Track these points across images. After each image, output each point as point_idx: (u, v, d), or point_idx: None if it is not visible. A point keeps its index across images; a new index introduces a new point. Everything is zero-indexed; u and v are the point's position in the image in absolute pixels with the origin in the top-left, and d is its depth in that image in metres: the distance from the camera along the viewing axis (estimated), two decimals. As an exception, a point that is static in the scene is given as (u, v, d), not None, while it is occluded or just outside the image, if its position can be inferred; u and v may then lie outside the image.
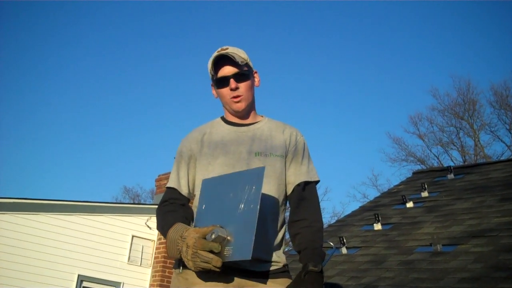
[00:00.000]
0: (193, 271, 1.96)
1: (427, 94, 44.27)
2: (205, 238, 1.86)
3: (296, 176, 2.25)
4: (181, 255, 1.92)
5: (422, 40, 42.58)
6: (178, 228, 1.98)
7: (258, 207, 1.84)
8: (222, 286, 2.01)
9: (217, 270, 1.83)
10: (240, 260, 1.82)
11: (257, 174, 1.93)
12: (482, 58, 40.12)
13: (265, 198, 2.08)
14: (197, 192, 2.20)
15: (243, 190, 1.92)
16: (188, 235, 1.90)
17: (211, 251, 1.83)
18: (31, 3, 41.07)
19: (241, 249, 1.82)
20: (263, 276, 2.06)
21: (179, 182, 2.25)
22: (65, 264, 10.27)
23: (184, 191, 2.24)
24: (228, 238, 1.85)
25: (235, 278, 2.01)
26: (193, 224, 2.15)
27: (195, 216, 2.09)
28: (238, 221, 1.88)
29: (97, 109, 48.59)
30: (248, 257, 1.78)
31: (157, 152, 48.62)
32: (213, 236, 1.84)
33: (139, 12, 48.72)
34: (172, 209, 2.17)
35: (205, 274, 1.99)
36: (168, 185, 2.27)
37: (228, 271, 1.98)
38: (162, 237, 11.23)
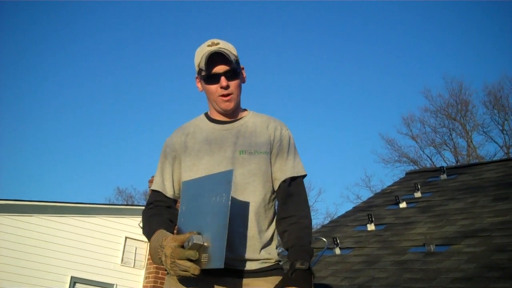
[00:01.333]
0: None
1: (420, 95, 44.39)
2: (183, 246, 1.85)
3: (281, 172, 2.21)
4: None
5: (414, 41, 42.74)
6: (158, 236, 1.97)
7: (228, 216, 1.81)
8: (212, 287, 2.01)
9: (195, 277, 1.83)
10: (215, 268, 1.81)
11: (226, 178, 1.89)
12: (475, 59, 40.32)
13: (250, 197, 2.09)
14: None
15: (214, 195, 1.90)
16: (166, 244, 1.89)
17: (189, 259, 1.82)
18: (30, 3, 40.99)
19: (214, 258, 1.81)
20: (254, 274, 2.05)
21: (164, 184, 2.23)
22: (58, 266, 10.23)
23: (169, 193, 2.22)
24: (205, 244, 1.85)
25: (225, 278, 2.00)
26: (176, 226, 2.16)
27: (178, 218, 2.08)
28: (212, 228, 1.86)
29: (91, 111, 48.50)
30: (221, 266, 1.78)
31: (150, 154, 48.55)
32: (190, 244, 1.84)
33: (132, 15, 48.66)
34: (156, 213, 2.16)
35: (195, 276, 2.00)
36: (153, 187, 2.25)
37: (218, 271, 1.98)
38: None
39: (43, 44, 45.02)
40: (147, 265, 11.24)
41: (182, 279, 2.03)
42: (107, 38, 48.35)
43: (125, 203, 31.74)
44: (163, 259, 1.89)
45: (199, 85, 2.28)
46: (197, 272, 1.81)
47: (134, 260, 11.28)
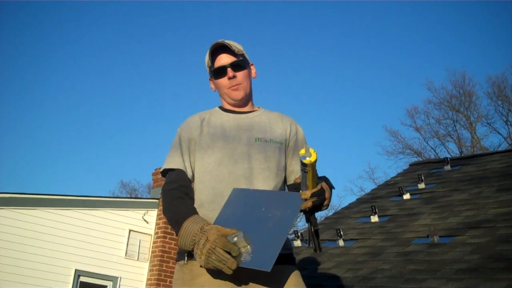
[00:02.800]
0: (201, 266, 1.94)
1: (423, 87, 44.23)
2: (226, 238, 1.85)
3: None
4: (194, 247, 1.91)
5: (417, 33, 42.55)
6: (198, 220, 1.96)
7: (291, 227, 1.89)
8: (229, 276, 1.99)
9: (229, 272, 1.82)
10: (258, 269, 1.81)
11: (295, 199, 1.97)
12: (478, 50, 40.14)
13: (264, 182, 2.16)
14: (198, 174, 2.20)
15: (278, 209, 1.95)
16: (209, 229, 1.88)
17: (229, 253, 1.82)
18: (28, 3, 40.95)
19: (262, 259, 1.81)
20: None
21: (184, 164, 2.22)
22: (62, 259, 10.25)
23: (189, 173, 2.22)
24: (248, 247, 1.85)
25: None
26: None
27: (216, 217, 2.05)
28: (266, 234, 1.88)
29: (94, 104, 48.52)
30: (268, 269, 1.78)
31: (154, 147, 48.61)
32: (235, 239, 1.83)
33: (135, 10, 48.56)
34: (181, 196, 2.12)
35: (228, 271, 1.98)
36: (173, 166, 2.22)
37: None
38: (159, 231, 11.27)
39: (42, 42, 44.97)
40: (151, 257, 11.25)
41: (196, 270, 2.01)
42: (113, 33, 48.29)
43: (129, 196, 31.78)
44: (201, 242, 1.86)
45: (212, 86, 2.38)
46: (234, 266, 1.80)
47: (138, 253, 11.28)
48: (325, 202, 2.01)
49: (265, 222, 1.92)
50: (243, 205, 2.04)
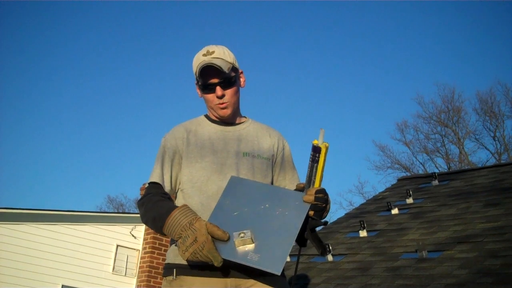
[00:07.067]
0: (187, 263, 1.96)
1: (413, 102, 44.51)
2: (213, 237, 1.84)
3: (292, 181, 2.32)
4: (179, 241, 1.89)
5: (407, 47, 42.91)
6: (187, 212, 1.93)
7: (299, 229, 1.87)
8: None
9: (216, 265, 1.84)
10: (267, 271, 1.79)
11: (301, 199, 1.96)
12: (467, 66, 40.50)
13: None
14: (185, 188, 2.16)
15: (284, 207, 1.94)
16: (199, 229, 1.85)
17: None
18: (26, 3, 40.88)
19: (271, 260, 1.79)
20: (260, 273, 2.01)
21: (163, 177, 2.19)
22: (49, 275, 10.16)
23: (166, 187, 2.18)
24: (253, 245, 1.84)
25: (233, 279, 1.99)
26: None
27: (215, 206, 2.03)
28: (274, 234, 1.86)
29: (80, 119, 48.36)
30: (278, 272, 1.76)
31: (141, 161, 48.45)
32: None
33: (116, 21, 48.62)
34: (162, 199, 2.09)
35: (201, 280, 1.97)
36: (152, 180, 2.19)
37: (225, 271, 1.97)
38: (147, 246, 11.19)
39: (21, 61, 44.84)
40: (138, 273, 11.16)
41: (186, 285, 2.00)
42: (90, 47, 48.29)
43: (116, 211, 31.59)
44: (189, 240, 1.85)
45: (198, 91, 2.31)
46: (219, 265, 1.83)
47: (126, 268, 11.20)
48: (328, 207, 2.03)
49: (271, 220, 1.90)
50: (243, 197, 2.00)
